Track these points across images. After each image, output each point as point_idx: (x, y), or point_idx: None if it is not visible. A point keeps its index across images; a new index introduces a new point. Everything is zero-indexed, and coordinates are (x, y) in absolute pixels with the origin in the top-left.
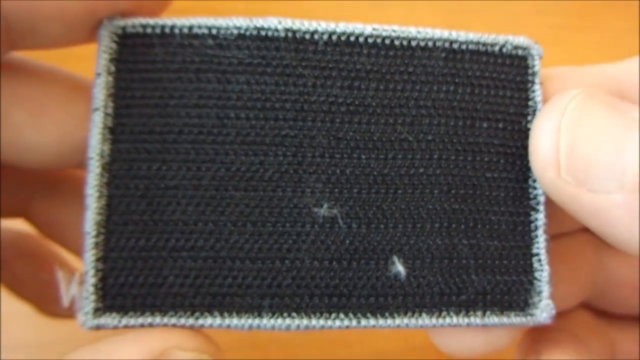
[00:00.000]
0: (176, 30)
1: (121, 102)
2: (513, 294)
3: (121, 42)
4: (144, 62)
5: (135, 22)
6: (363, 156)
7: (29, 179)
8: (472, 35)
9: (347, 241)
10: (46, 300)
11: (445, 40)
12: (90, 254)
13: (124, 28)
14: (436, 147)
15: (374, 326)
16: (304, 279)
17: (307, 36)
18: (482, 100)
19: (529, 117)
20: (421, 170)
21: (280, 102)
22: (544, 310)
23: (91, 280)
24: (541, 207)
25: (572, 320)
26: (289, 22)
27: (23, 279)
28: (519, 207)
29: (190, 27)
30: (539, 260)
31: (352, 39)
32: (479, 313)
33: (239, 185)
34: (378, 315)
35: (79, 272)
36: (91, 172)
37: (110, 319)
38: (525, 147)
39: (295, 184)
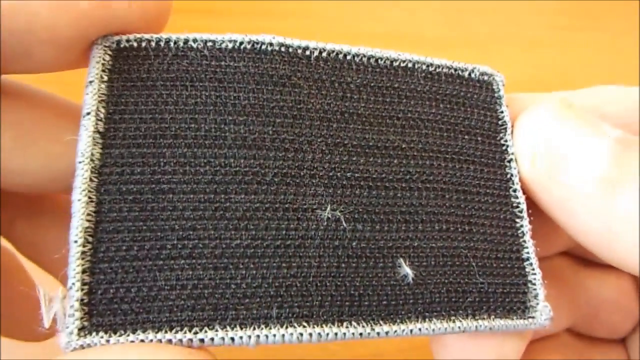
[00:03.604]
0: (171, 44)
1: (113, 108)
2: (513, 297)
3: (114, 55)
4: (138, 71)
5: (130, 37)
6: (361, 160)
7: (12, 199)
8: (445, 61)
9: (354, 243)
10: (4, 316)
11: (422, 63)
12: (75, 265)
13: (118, 42)
14: (427, 154)
15: (387, 333)
16: (312, 284)
17: (300, 51)
18: (460, 116)
19: (501, 134)
20: (415, 175)
21: (277, 108)
22: (542, 313)
23: (76, 294)
24: (525, 214)
25: (554, 342)
26: (281, 39)
27: None
28: (505, 214)
29: (186, 41)
30: (531, 265)
31: (340, 56)
32: (485, 316)
33: (239, 188)
34: (390, 322)
35: (62, 288)
36: (79, 176)
37: (97, 339)
38: (502, 160)
39: (296, 187)
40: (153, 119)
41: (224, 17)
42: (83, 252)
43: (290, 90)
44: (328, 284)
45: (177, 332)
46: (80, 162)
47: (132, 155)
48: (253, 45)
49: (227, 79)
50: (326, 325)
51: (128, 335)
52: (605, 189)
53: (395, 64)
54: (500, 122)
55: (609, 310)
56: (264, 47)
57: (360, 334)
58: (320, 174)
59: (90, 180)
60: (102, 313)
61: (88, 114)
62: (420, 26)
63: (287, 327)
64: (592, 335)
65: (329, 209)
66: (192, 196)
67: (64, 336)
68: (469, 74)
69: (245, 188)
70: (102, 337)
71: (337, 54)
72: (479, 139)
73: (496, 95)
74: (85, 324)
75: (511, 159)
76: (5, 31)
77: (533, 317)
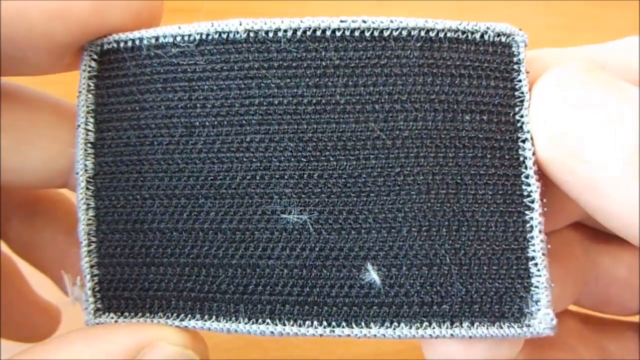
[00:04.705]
0: (144, 42)
1: (100, 117)
2: (506, 303)
3: (99, 60)
4: (119, 77)
5: (110, 38)
6: (332, 158)
7: (7, 200)
8: (451, 23)
9: (317, 248)
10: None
11: (420, 29)
12: (85, 261)
13: (101, 45)
14: (413, 144)
15: (348, 335)
16: (275, 286)
17: (270, 35)
18: (463, 92)
19: (517, 108)
20: (397, 170)
21: (244, 107)
22: (542, 321)
23: (88, 284)
24: (536, 205)
25: (559, 328)
26: (250, 23)
27: None
28: (510, 206)
29: (157, 38)
30: (536, 265)
31: (318, 33)
32: (466, 324)
33: (208, 194)
34: (353, 324)
35: (80, 276)
36: (78, 185)
37: (109, 319)
38: (515, 140)
39: (263, 190)
40: (132, 126)
41: (225, 17)
42: (89, 251)
43: (259, 84)
44: (290, 287)
45: (167, 317)
46: (77, 173)
47: (117, 164)
48: (220, 35)
49: (195, 77)
50: (288, 323)
51: (132, 317)
52: (636, 166)
53: (386, 33)
54: (516, 94)
55: (619, 289)
56: (231, 36)
57: (321, 334)
58: (288, 175)
59: (87, 189)
60: (110, 299)
61: (79, 126)
62: None
63: (252, 323)
64: (600, 311)
65: (294, 212)
66: (168, 201)
67: (85, 315)
68: (482, 36)
69: (215, 193)
70: (112, 318)
71: (314, 31)
72: (486, 117)
73: (515, 60)
74: (100, 306)
75: (526, 139)
76: (4, 39)
77: (529, 325)
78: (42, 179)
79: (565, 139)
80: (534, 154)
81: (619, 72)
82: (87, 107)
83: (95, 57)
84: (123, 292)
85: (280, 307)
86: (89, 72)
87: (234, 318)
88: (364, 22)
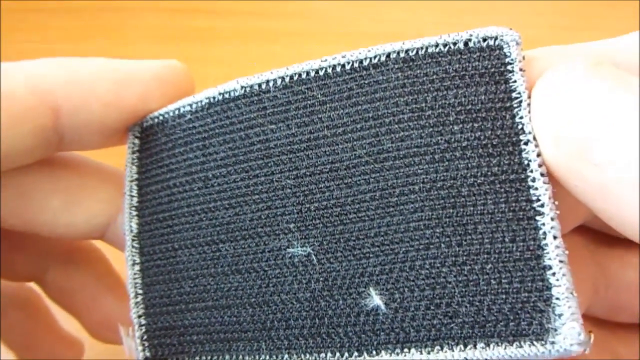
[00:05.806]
0: (170, 114)
1: (141, 184)
2: (523, 319)
3: (140, 136)
4: (153, 148)
5: (147, 117)
6: (325, 189)
7: (47, 247)
8: (429, 39)
9: (322, 278)
10: (27, 350)
11: (398, 51)
12: (133, 312)
13: (141, 125)
14: (402, 163)
15: None
16: (289, 320)
17: (263, 86)
18: (450, 103)
19: (516, 110)
20: (388, 191)
21: (247, 154)
22: (567, 336)
23: (137, 333)
24: (547, 209)
25: None
26: (245, 80)
27: (13, 328)
28: (517, 214)
29: (178, 109)
30: (554, 274)
31: (303, 76)
32: (480, 345)
33: (225, 238)
34: (364, 353)
35: (131, 328)
36: (126, 243)
37: None
38: (515, 144)
39: (269, 228)
40: (163, 187)
41: (225, 17)
42: (136, 302)
43: (257, 132)
44: (302, 319)
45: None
46: (124, 234)
47: (154, 222)
48: (223, 95)
49: (207, 135)
50: (304, 357)
51: None
52: None
53: (365, 62)
54: (513, 95)
55: (630, 294)
56: (231, 94)
57: None
58: (288, 211)
59: (132, 247)
60: (156, 347)
61: (125, 193)
62: (420, 26)
63: (274, 358)
64: (612, 319)
65: (297, 246)
66: (194, 249)
67: None
68: (466, 44)
69: (230, 236)
70: None
71: (299, 75)
72: (478, 124)
73: (507, 60)
74: (148, 354)
75: (528, 141)
76: (69, 127)
77: (554, 342)
78: (84, 233)
79: (572, 141)
80: (538, 155)
81: (629, 69)
82: (132, 177)
83: (137, 134)
84: (166, 338)
85: (296, 341)
86: (132, 148)
87: (256, 356)
88: (343, 57)
